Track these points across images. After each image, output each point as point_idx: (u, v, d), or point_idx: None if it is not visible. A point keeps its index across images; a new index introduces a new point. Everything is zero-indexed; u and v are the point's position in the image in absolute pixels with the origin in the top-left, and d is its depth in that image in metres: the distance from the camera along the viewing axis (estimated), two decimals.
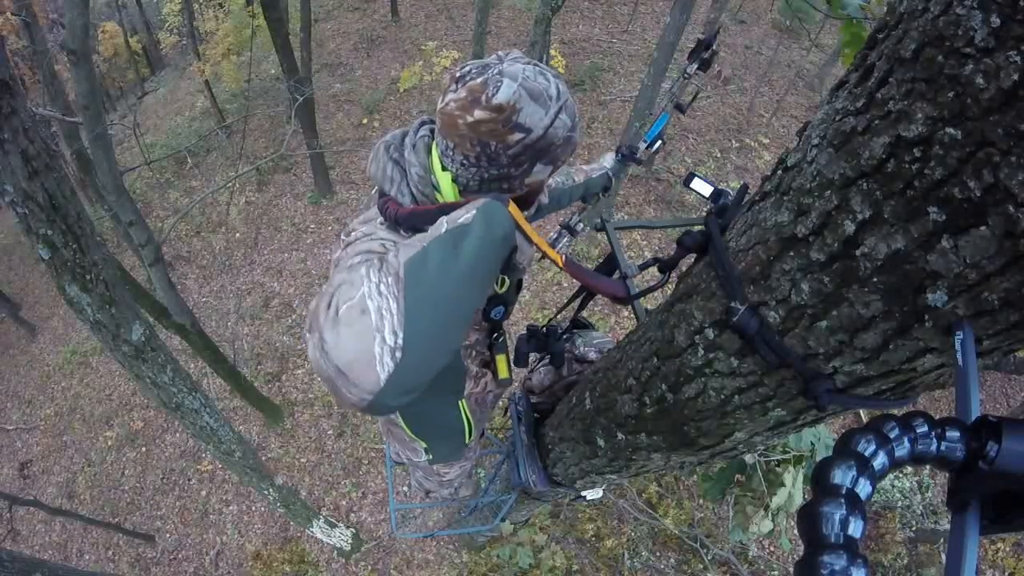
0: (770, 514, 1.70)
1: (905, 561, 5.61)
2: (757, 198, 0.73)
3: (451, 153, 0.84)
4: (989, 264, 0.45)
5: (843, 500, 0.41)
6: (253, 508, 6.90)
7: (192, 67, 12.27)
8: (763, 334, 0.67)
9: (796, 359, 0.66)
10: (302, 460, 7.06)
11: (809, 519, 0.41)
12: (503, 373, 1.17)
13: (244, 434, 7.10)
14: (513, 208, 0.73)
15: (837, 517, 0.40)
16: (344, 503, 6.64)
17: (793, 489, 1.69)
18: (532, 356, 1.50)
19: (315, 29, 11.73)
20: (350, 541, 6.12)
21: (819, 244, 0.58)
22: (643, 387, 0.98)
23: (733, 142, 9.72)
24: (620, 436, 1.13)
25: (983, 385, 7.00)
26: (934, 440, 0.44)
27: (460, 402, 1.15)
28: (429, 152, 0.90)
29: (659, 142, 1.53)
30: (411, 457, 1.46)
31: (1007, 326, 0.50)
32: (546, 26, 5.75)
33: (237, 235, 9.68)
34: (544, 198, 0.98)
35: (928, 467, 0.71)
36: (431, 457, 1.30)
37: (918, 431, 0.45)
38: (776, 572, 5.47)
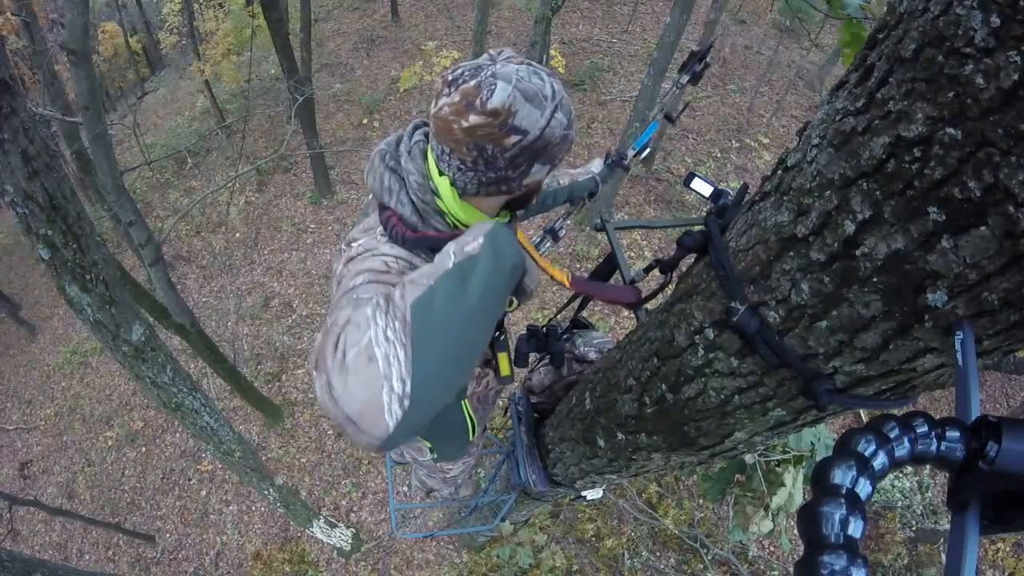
0: (770, 514, 1.70)
1: (905, 561, 5.61)
2: (757, 198, 0.73)
3: (447, 158, 0.83)
4: (989, 264, 0.45)
5: (843, 500, 0.41)
6: (253, 508, 6.90)
7: (192, 67, 12.27)
8: (763, 334, 0.67)
9: (796, 359, 0.66)
10: (302, 460, 7.06)
11: (809, 519, 0.41)
12: (505, 371, 1.17)
13: (244, 434, 7.10)
14: (520, 235, 0.74)
15: (837, 517, 0.40)
16: (344, 503, 6.64)
17: (793, 489, 1.69)
18: (532, 356, 1.50)
19: (315, 29, 11.74)
20: (350, 541, 6.12)
21: (819, 244, 0.58)
22: (643, 387, 0.98)
23: (733, 142, 9.72)
24: (620, 436, 1.13)
25: (983, 385, 7.00)
26: (934, 440, 0.44)
27: (463, 402, 1.15)
28: (425, 157, 0.89)
29: (648, 150, 1.53)
30: (416, 456, 1.47)
31: (1007, 326, 0.50)
32: (546, 26, 5.76)
33: (237, 235, 9.68)
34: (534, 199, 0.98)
35: (928, 467, 0.71)
36: (436, 456, 1.31)
37: (918, 431, 0.45)
38: (776, 572, 5.47)
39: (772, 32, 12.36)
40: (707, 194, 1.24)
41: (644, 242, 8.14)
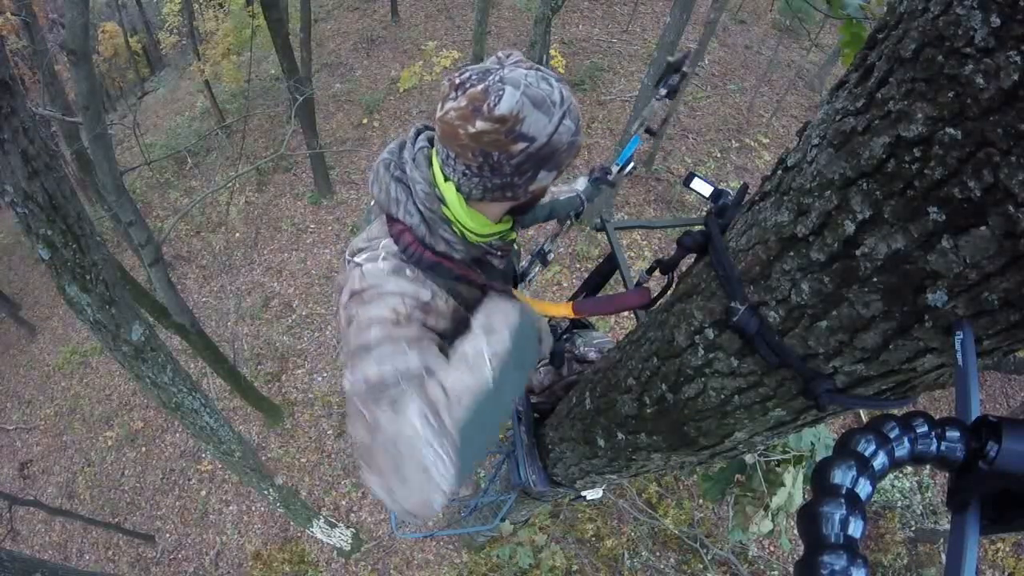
0: (770, 514, 1.70)
1: (905, 561, 5.61)
2: (757, 198, 0.73)
3: (452, 162, 0.82)
4: (989, 264, 0.45)
5: (843, 500, 0.41)
6: (253, 508, 6.90)
7: (192, 67, 12.27)
8: (763, 334, 0.67)
9: (796, 359, 0.66)
10: (302, 460, 7.07)
11: (809, 519, 0.41)
12: None
13: (244, 434, 7.10)
14: (538, 306, 0.81)
15: (837, 517, 0.40)
16: (344, 503, 6.64)
17: (793, 489, 1.69)
18: None
19: (315, 29, 11.73)
20: (350, 541, 6.12)
21: (819, 244, 0.58)
22: (643, 387, 0.98)
23: (733, 142, 9.72)
24: (620, 436, 1.13)
25: (983, 385, 7.00)
26: (934, 440, 0.44)
27: None
28: (430, 163, 0.87)
29: (631, 164, 1.48)
30: None
31: (1007, 326, 0.50)
32: (546, 26, 5.76)
33: (237, 235, 9.68)
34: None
35: (928, 467, 0.71)
36: None
37: (918, 431, 0.45)
38: (776, 572, 5.48)
39: (772, 32, 12.36)
40: (707, 194, 1.24)
41: (644, 242, 8.14)
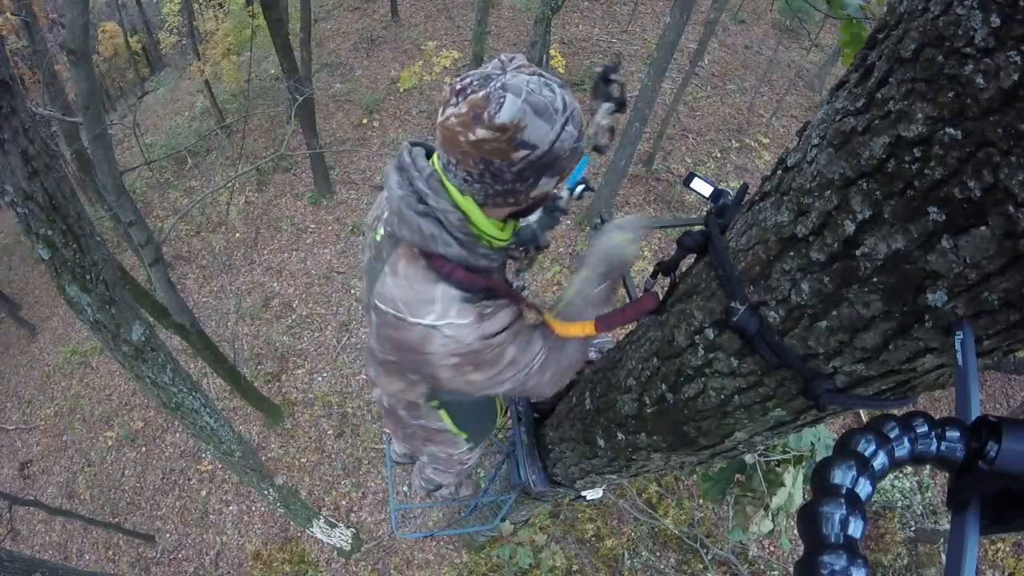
0: (770, 514, 1.70)
1: (905, 561, 5.61)
2: (757, 198, 0.73)
3: (454, 168, 0.81)
4: (989, 264, 0.45)
5: (843, 500, 0.41)
6: (253, 508, 6.90)
7: (192, 67, 12.26)
8: (763, 334, 0.67)
9: (796, 359, 0.66)
10: (302, 460, 7.06)
11: (809, 519, 0.41)
12: None
13: (244, 434, 7.10)
14: (560, 328, 0.96)
15: (837, 517, 0.40)
16: (344, 503, 6.64)
17: (793, 489, 1.69)
18: None
19: (315, 29, 11.73)
20: (350, 541, 6.12)
21: (819, 244, 0.58)
22: (643, 387, 0.98)
23: (733, 142, 9.72)
24: (620, 436, 1.13)
25: (983, 385, 7.00)
26: (934, 440, 0.44)
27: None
28: (443, 185, 0.86)
29: (581, 187, 1.42)
30: (449, 451, 1.48)
31: (1007, 326, 0.50)
32: (546, 26, 5.75)
33: (237, 235, 9.67)
34: None
35: (928, 467, 0.71)
36: (472, 444, 1.44)
37: (918, 431, 0.45)
38: (776, 572, 5.48)
39: (772, 32, 12.36)
40: (707, 194, 1.23)
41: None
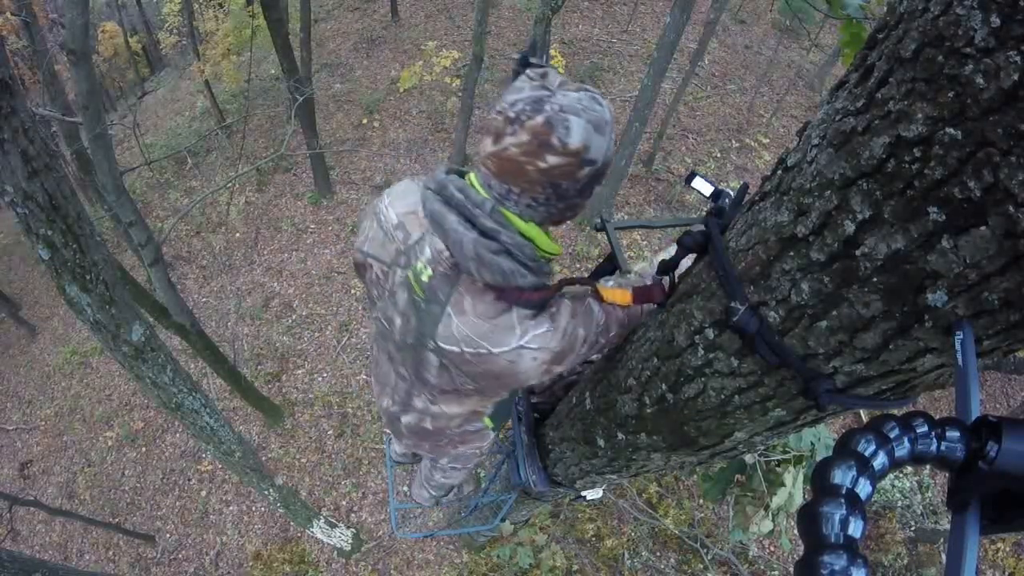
0: (770, 514, 1.70)
1: (905, 561, 5.61)
2: (757, 198, 0.73)
3: (515, 197, 0.81)
4: (989, 264, 0.45)
5: (843, 500, 0.41)
6: (253, 508, 6.90)
7: (192, 67, 12.25)
8: (763, 334, 0.67)
9: (796, 359, 0.66)
10: (302, 460, 7.07)
11: (809, 519, 0.41)
12: None
13: (244, 434, 7.10)
14: (606, 293, 0.95)
15: (837, 517, 0.40)
16: (344, 503, 6.64)
17: (793, 489, 1.69)
18: None
19: (315, 29, 11.73)
20: (350, 541, 6.12)
21: (819, 244, 0.58)
22: (643, 387, 0.98)
23: (733, 142, 9.72)
24: (620, 436, 1.13)
25: (983, 385, 6.99)
26: (934, 440, 0.45)
27: None
28: (507, 216, 0.85)
29: None
30: (478, 445, 1.47)
31: (1007, 326, 0.50)
32: (546, 26, 5.75)
33: (237, 235, 9.67)
34: None
35: (928, 467, 0.71)
36: (496, 432, 1.44)
37: (918, 431, 0.45)
38: (776, 572, 5.48)
39: (772, 32, 12.36)
40: (708, 193, 1.23)
41: (644, 242, 8.14)
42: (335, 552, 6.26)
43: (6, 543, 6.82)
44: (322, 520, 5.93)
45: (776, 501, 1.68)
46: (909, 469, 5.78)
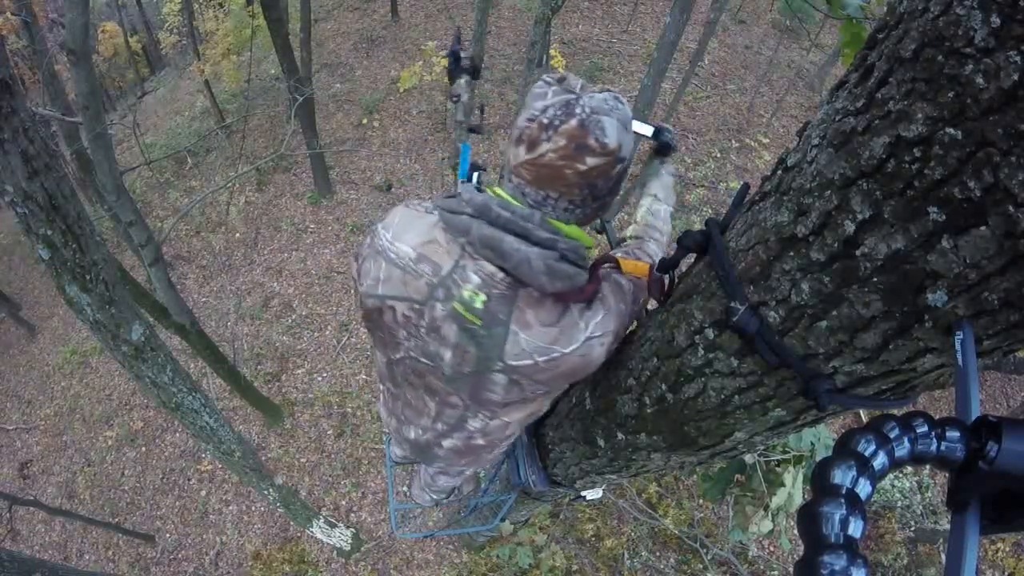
0: (770, 514, 1.70)
1: (905, 561, 5.61)
2: (757, 198, 0.73)
3: (553, 202, 0.83)
4: (989, 264, 0.45)
5: (843, 500, 0.41)
6: (253, 508, 6.90)
7: (192, 67, 12.27)
8: (763, 334, 0.67)
9: (796, 359, 0.66)
10: (302, 460, 7.07)
11: (809, 519, 0.41)
12: None
13: (244, 434, 7.10)
14: (627, 265, 0.98)
15: (837, 517, 0.40)
16: (344, 503, 6.64)
17: (793, 489, 1.69)
18: None
19: (315, 29, 11.73)
20: (350, 541, 6.12)
21: (819, 244, 0.58)
22: (643, 387, 0.98)
23: (733, 142, 9.73)
24: (620, 436, 1.13)
25: (983, 385, 7.00)
26: (934, 440, 0.44)
27: None
28: (553, 224, 0.86)
29: (477, 173, 1.33)
30: (506, 444, 1.44)
31: (1007, 326, 0.50)
32: (546, 26, 5.75)
33: (237, 235, 9.67)
34: None
35: (928, 467, 0.71)
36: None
37: (918, 431, 0.45)
38: (776, 572, 5.48)
39: (772, 32, 12.36)
40: (648, 134, 1.30)
41: None
42: (335, 552, 6.26)
43: (6, 543, 6.83)
44: (322, 520, 5.93)
45: (776, 501, 1.68)
46: (909, 469, 5.78)
